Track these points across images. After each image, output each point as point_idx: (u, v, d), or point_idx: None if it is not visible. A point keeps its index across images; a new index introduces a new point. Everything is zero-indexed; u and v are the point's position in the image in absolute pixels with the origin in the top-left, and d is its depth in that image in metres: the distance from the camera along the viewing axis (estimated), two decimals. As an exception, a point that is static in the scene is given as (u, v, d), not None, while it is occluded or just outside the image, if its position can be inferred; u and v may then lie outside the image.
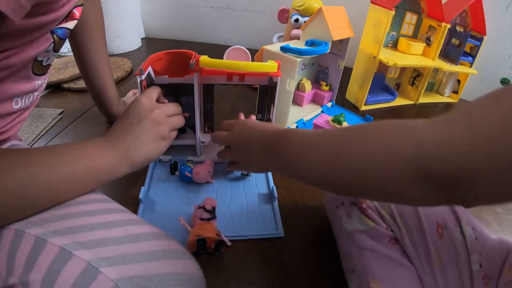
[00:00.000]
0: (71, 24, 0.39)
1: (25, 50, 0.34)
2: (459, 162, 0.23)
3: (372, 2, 0.86)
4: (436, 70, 1.06)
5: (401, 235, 0.40)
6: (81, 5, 0.41)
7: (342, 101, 1.00)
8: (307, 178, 0.36)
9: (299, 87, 0.90)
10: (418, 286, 0.37)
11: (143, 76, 0.52)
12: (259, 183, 0.62)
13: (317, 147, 0.34)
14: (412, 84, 1.04)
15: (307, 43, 0.77)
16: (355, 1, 1.04)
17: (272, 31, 1.19)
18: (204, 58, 0.52)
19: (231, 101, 0.93)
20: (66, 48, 1.11)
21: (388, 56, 0.88)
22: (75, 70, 0.94)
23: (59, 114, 0.80)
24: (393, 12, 0.81)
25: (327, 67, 0.92)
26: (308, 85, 0.88)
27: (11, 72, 0.35)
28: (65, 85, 0.91)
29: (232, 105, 0.91)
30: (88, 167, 0.36)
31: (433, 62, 0.95)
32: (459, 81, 1.08)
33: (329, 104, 0.94)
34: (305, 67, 0.90)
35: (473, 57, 1.01)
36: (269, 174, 0.64)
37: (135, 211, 0.53)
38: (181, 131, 0.66)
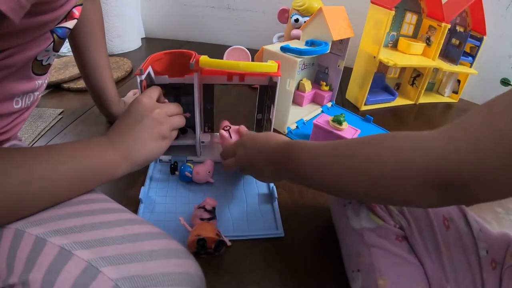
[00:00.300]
0: (70, 24, 0.39)
1: (25, 49, 0.34)
2: (464, 170, 0.25)
3: (372, 2, 0.86)
4: (436, 70, 1.06)
5: (409, 228, 0.42)
6: (81, 4, 0.41)
7: (342, 101, 1.00)
8: (318, 188, 0.39)
9: (299, 87, 0.90)
10: (424, 283, 0.38)
11: (143, 76, 0.52)
12: (259, 183, 0.62)
13: (329, 160, 0.36)
14: (412, 84, 1.04)
15: (307, 43, 0.77)
16: (355, 1, 1.04)
17: (272, 31, 1.19)
18: (204, 58, 0.52)
19: (231, 101, 0.93)
20: (66, 48, 1.11)
21: (388, 56, 0.88)
22: (75, 70, 0.94)
23: (59, 114, 0.80)
24: (393, 12, 0.81)
25: (327, 67, 0.92)
26: (308, 85, 0.88)
27: (11, 72, 0.35)
28: (65, 85, 0.91)
29: (232, 105, 0.91)
30: (89, 166, 0.36)
31: (433, 62, 0.95)
32: (459, 81, 1.08)
33: (329, 104, 0.94)
34: (305, 67, 0.90)
35: (473, 57, 1.01)
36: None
37: (135, 211, 0.53)
38: (182, 131, 0.66)
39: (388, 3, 0.82)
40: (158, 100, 0.48)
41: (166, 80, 0.59)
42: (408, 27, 0.99)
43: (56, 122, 0.77)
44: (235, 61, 0.52)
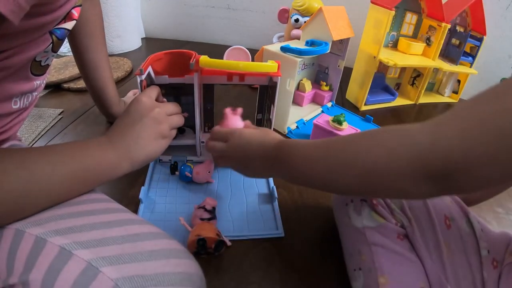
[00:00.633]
0: (69, 25, 0.39)
1: (24, 50, 0.34)
2: (453, 157, 0.26)
3: (372, 2, 0.86)
4: (436, 70, 1.06)
5: (410, 227, 0.42)
6: (80, 5, 0.41)
7: (342, 101, 1.00)
8: (312, 185, 0.39)
9: (299, 87, 0.90)
10: (425, 282, 0.38)
11: (143, 76, 0.52)
12: (259, 183, 0.62)
13: (321, 155, 0.36)
14: (412, 84, 1.04)
15: (307, 43, 0.77)
16: (355, 1, 1.04)
17: (272, 31, 1.19)
18: (204, 58, 0.52)
19: (231, 101, 0.93)
20: (66, 48, 1.11)
21: (388, 56, 0.88)
22: (75, 70, 0.94)
23: (59, 114, 0.80)
24: (393, 12, 0.81)
25: (327, 67, 0.92)
26: (308, 85, 0.88)
27: (10, 73, 0.35)
28: (65, 85, 0.91)
29: (232, 105, 0.91)
30: (89, 166, 0.36)
31: (433, 62, 0.95)
32: (459, 81, 1.08)
33: (329, 104, 0.94)
34: (305, 67, 0.90)
35: (473, 57, 1.01)
36: (269, 174, 0.64)
37: (135, 211, 0.53)
38: (180, 131, 0.66)
39: (388, 3, 0.82)
40: (157, 100, 0.48)
41: (166, 80, 0.59)
42: (408, 27, 0.99)
43: (56, 122, 0.77)
44: (235, 61, 0.52)
